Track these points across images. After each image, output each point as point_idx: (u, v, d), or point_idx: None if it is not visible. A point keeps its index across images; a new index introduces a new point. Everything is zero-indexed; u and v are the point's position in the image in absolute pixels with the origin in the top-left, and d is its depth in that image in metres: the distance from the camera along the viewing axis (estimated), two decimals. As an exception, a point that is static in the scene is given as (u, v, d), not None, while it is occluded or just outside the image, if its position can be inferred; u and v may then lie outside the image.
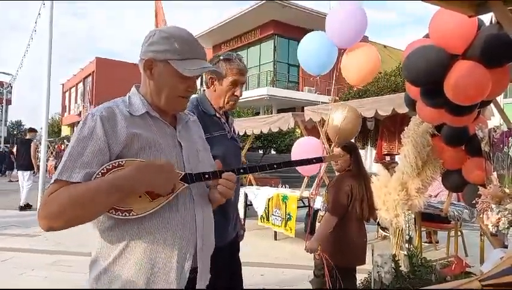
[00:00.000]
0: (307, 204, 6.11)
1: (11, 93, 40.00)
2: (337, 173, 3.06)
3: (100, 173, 1.12)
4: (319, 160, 1.51)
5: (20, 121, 60.48)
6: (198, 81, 1.41)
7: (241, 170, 1.37)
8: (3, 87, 31.88)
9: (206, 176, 1.27)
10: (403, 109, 4.50)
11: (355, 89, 16.61)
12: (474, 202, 2.47)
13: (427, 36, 2.58)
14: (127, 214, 1.13)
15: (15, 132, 55.00)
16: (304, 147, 5.26)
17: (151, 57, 1.25)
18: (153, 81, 1.27)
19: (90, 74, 32.29)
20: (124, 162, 1.15)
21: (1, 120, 40.35)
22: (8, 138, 39.64)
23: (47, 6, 8.87)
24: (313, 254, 2.94)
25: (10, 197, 10.90)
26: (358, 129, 4.33)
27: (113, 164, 1.14)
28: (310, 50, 4.27)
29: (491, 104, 2.99)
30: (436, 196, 5.26)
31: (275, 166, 1.40)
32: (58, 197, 1.07)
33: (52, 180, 1.11)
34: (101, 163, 1.13)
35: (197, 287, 1.27)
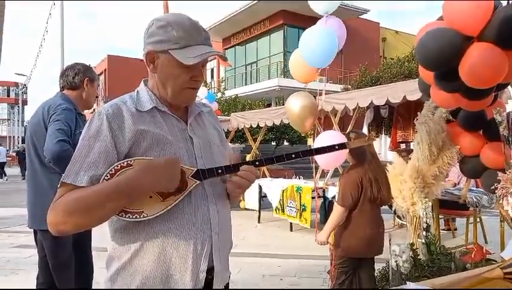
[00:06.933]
0: (321, 195, 6.08)
1: (26, 93, 40.75)
2: (350, 163, 3.02)
3: (109, 175, 1.08)
4: (342, 146, 1.38)
5: (37, 121, 61.35)
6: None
7: (257, 162, 1.27)
8: (18, 88, 32.48)
9: (219, 171, 1.19)
10: (415, 96, 4.42)
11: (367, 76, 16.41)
12: (493, 187, 2.42)
13: (440, 19, 2.52)
14: (138, 216, 1.09)
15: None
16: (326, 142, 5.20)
17: (151, 49, 1.18)
18: (157, 74, 1.21)
19: (102, 72, 32.61)
20: (133, 161, 1.10)
21: (19, 120, 41.22)
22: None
23: (57, 7, 8.97)
24: (329, 245, 2.93)
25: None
26: (316, 116, 4.35)
27: (122, 164, 1.10)
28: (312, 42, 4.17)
29: (509, 87, 2.91)
30: (458, 183, 5.17)
31: (293, 156, 1.28)
32: (64, 202, 1.05)
33: (59, 185, 1.09)
34: (109, 163, 1.09)
35: (214, 287, 1.22)
